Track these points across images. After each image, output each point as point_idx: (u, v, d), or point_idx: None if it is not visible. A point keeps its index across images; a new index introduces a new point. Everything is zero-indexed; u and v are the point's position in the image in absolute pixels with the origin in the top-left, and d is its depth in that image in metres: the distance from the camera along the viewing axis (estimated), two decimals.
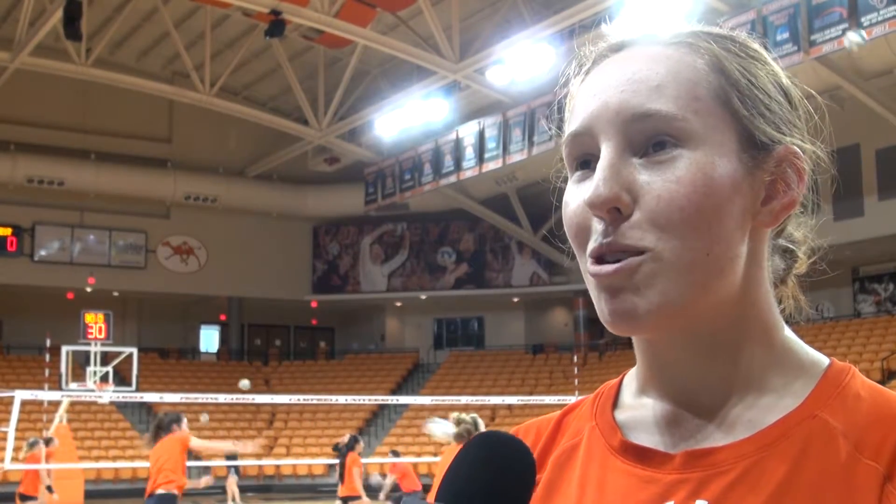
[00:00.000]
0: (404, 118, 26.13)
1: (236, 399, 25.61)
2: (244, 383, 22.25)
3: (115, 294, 30.82)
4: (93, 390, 20.74)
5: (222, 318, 34.08)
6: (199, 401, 25.75)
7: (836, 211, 22.77)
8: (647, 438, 0.90)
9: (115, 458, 25.39)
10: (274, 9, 21.75)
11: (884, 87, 21.12)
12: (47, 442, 17.09)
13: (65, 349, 21.71)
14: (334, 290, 33.60)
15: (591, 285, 0.86)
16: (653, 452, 0.88)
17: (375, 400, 26.64)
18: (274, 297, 32.90)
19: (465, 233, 32.73)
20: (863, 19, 16.88)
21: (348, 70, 25.93)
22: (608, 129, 0.84)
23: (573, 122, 0.88)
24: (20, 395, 17.88)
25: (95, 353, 22.00)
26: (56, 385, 22.05)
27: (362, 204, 29.89)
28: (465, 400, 25.73)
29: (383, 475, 18.27)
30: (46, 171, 28.77)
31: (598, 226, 0.84)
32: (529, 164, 24.31)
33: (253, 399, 25.39)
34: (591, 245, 0.84)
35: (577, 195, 0.86)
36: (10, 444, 17.08)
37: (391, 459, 18.30)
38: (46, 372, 23.10)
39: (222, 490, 25.98)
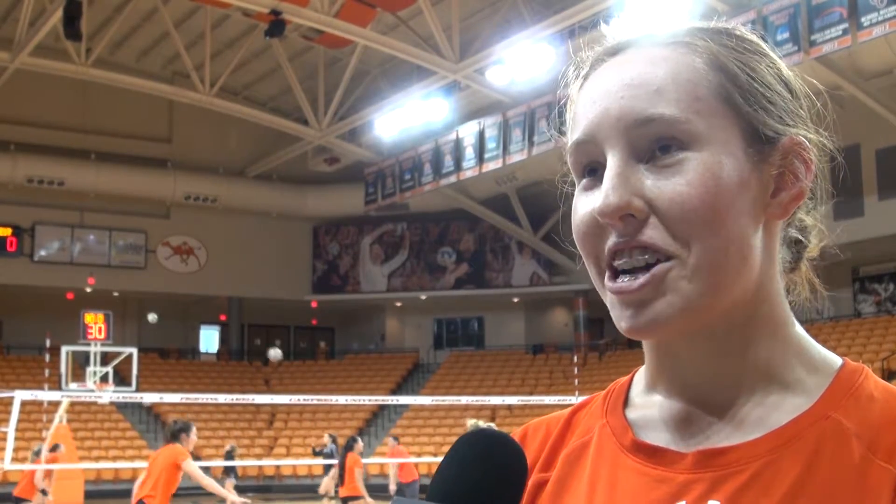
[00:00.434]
0: (404, 118, 26.13)
1: (236, 399, 25.62)
2: (275, 353, 22.35)
3: (115, 294, 30.82)
4: (93, 390, 20.74)
5: (222, 318, 34.09)
6: (200, 401, 25.78)
7: (836, 211, 22.75)
8: (659, 437, 0.89)
9: (115, 458, 25.39)
10: (274, 9, 21.75)
11: (884, 87, 21.12)
12: (53, 448, 17.07)
13: (65, 349, 21.70)
14: (334, 290, 33.60)
15: (609, 298, 0.85)
16: (664, 451, 0.87)
17: (375, 400, 26.63)
18: (274, 297, 32.90)
19: (465, 233, 32.72)
20: (863, 19, 16.88)
21: (348, 70, 25.93)
22: (612, 137, 0.84)
23: (576, 130, 0.88)
24: (20, 395, 17.87)
25: (95, 354, 21.99)
26: (56, 385, 22.04)
27: (362, 204, 29.89)
28: (465, 400, 25.76)
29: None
30: (46, 171, 28.77)
31: (612, 232, 0.84)
32: (529, 164, 24.31)
33: (253, 399, 25.40)
34: (608, 246, 0.84)
35: (585, 203, 0.86)
36: (10, 444, 17.07)
37: (392, 444, 18.51)
38: (46, 372, 23.10)
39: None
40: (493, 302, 33.04)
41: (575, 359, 27.84)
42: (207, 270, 31.78)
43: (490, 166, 24.81)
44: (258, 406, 29.33)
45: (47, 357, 23.77)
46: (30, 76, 26.12)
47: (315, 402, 25.92)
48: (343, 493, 14.85)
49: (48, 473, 15.80)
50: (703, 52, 0.86)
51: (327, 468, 21.02)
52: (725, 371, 0.87)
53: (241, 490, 25.24)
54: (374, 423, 30.17)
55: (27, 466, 18.21)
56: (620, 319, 0.84)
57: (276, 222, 32.55)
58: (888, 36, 17.39)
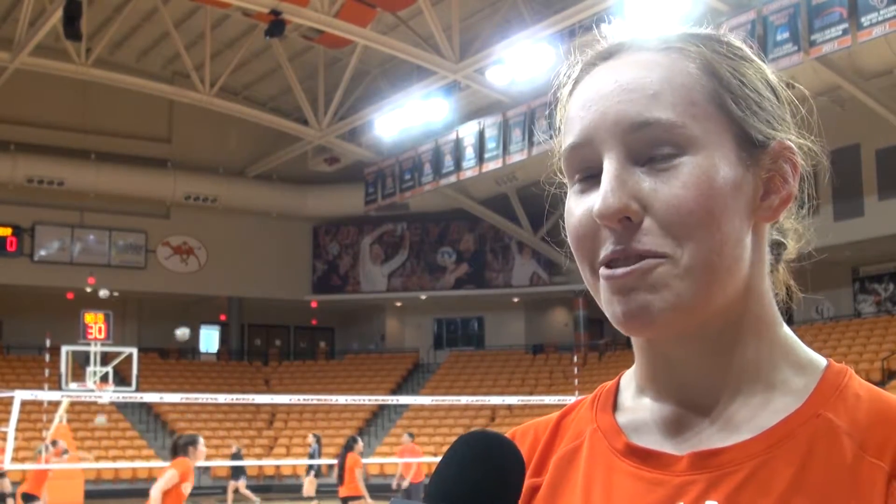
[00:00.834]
0: (404, 118, 26.12)
1: (236, 399, 25.61)
2: (182, 332, 22.49)
3: (116, 294, 30.82)
4: (93, 390, 20.74)
5: (222, 318, 34.08)
6: (200, 401, 25.79)
7: (836, 211, 22.78)
8: (651, 440, 0.90)
9: (115, 458, 25.39)
10: (274, 9, 21.75)
11: (884, 87, 21.11)
12: (54, 444, 17.09)
13: (65, 349, 21.70)
14: (334, 290, 33.60)
15: (601, 290, 0.86)
16: (659, 454, 0.88)
17: (375, 400, 26.63)
18: (274, 297, 32.90)
19: (465, 233, 32.72)
20: (863, 19, 16.87)
21: (348, 70, 25.93)
22: (609, 140, 0.85)
23: (570, 133, 0.88)
24: (20, 395, 17.87)
25: (95, 353, 21.99)
26: (56, 385, 22.04)
27: (362, 204, 29.88)
28: (465, 400, 25.76)
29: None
30: (46, 171, 28.77)
31: (608, 235, 0.84)
32: (529, 164, 24.30)
33: (253, 399, 25.40)
34: (604, 252, 0.85)
35: (581, 205, 0.87)
36: (10, 444, 17.08)
37: (406, 440, 18.24)
38: (46, 372, 23.10)
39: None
40: (493, 302, 33.04)
41: (575, 359, 27.84)
42: (207, 270, 31.78)
43: (490, 166, 24.81)
44: (258, 406, 29.34)
45: (47, 357, 23.77)
46: (30, 76, 26.11)
47: (315, 402, 25.92)
48: (343, 492, 14.82)
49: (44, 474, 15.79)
50: (696, 58, 0.87)
51: (310, 468, 20.91)
52: (716, 371, 0.88)
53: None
54: (374, 423, 30.17)
55: (27, 466, 18.23)
56: (614, 311, 0.85)
57: (276, 222, 32.55)
58: (888, 36, 17.38)
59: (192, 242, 31.89)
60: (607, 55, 0.90)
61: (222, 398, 24.58)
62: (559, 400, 22.27)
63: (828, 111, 21.93)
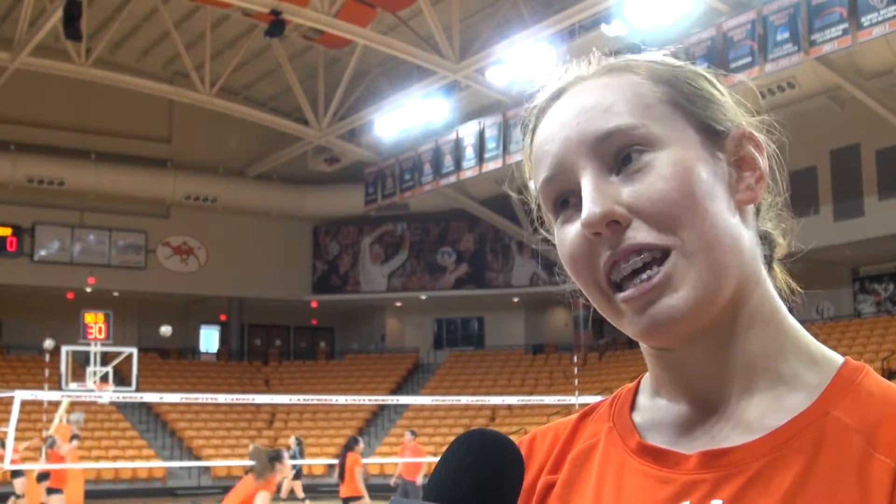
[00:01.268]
0: (404, 118, 26.13)
1: (236, 399, 25.62)
2: (165, 329, 22.58)
3: (115, 294, 30.82)
4: (93, 390, 20.73)
5: (222, 318, 34.08)
6: (200, 401, 25.79)
7: (836, 211, 22.78)
8: (664, 439, 0.91)
9: (115, 458, 25.40)
10: (274, 9, 21.75)
11: (884, 87, 21.10)
12: (51, 444, 17.08)
13: (65, 349, 21.69)
14: (334, 290, 33.60)
15: (618, 312, 0.88)
16: (669, 453, 0.89)
17: (375, 400, 26.62)
18: (274, 297, 32.90)
19: (465, 233, 32.72)
20: (863, 19, 16.87)
21: (348, 70, 25.93)
22: (578, 159, 0.88)
23: (541, 169, 0.91)
24: (20, 395, 17.86)
25: (95, 353, 21.98)
26: (56, 385, 22.03)
27: (362, 204, 29.88)
28: (465, 400, 25.76)
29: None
30: (46, 171, 28.77)
31: (603, 246, 0.86)
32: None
33: (253, 399, 25.40)
34: (603, 261, 0.86)
35: (569, 230, 0.89)
36: (10, 443, 17.08)
37: (408, 438, 18.00)
38: (46, 372, 23.09)
39: (223, 490, 25.94)
40: (493, 302, 33.04)
41: (575, 359, 27.80)
42: (207, 270, 31.77)
43: (490, 166, 24.80)
44: (258, 406, 29.33)
45: (47, 357, 23.76)
46: (30, 76, 26.11)
47: (315, 402, 25.92)
48: (344, 492, 14.82)
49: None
50: (643, 71, 0.91)
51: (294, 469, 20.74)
52: (725, 366, 0.89)
53: None
54: (374, 423, 30.17)
55: (27, 466, 18.23)
56: (639, 325, 0.86)
57: (276, 222, 32.54)
58: (888, 36, 17.38)
59: (192, 242, 31.89)
60: (556, 95, 0.93)
61: (222, 398, 24.58)
62: (559, 400, 22.28)
63: (828, 111, 21.97)
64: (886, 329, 24.69)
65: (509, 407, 27.51)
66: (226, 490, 22.78)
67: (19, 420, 17.99)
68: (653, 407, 0.95)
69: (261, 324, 35.08)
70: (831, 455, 0.82)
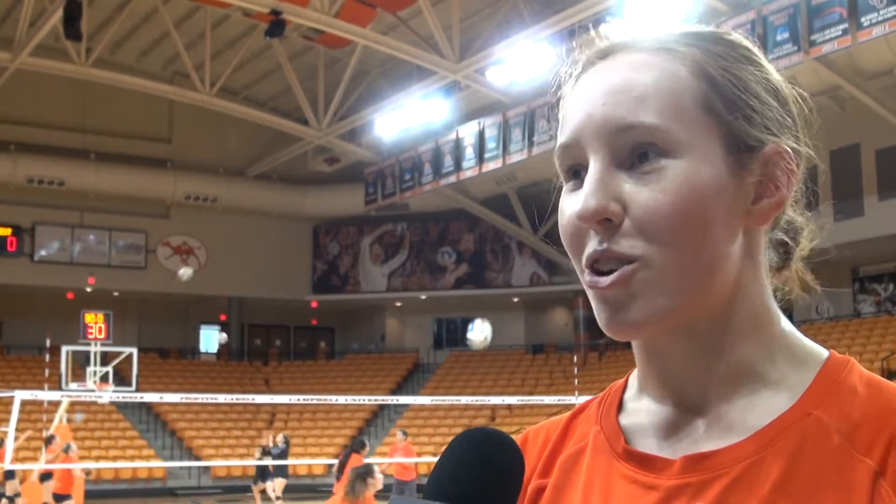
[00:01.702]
0: (404, 118, 26.13)
1: (236, 399, 25.62)
2: (185, 271, 21.90)
3: (115, 294, 30.82)
4: (93, 390, 20.74)
5: (222, 318, 34.08)
6: (200, 401, 25.79)
7: (836, 211, 22.77)
8: (649, 443, 0.91)
9: (115, 458, 25.40)
10: (274, 9, 21.75)
11: (884, 87, 21.11)
12: (49, 441, 17.11)
13: (65, 349, 21.69)
14: (334, 290, 33.59)
15: (589, 294, 0.88)
16: (654, 458, 0.89)
17: (375, 400, 26.62)
18: (274, 297, 32.89)
19: (465, 233, 32.72)
20: (863, 19, 16.87)
21: (348, 70, 25.92)
22: (594, 142, 0.86)
23: (563, 132, 0.90)
24: (20, 395, 17.87)
25: (95, 353, 21.99)
26: (56, 385, 22.03)
27: (362, 204, 29.87)
28: (465, 400, 25.76)
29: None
30: (46, 171, 28.77)
31: (593, 234, 0.85)
32: (529, 164, 24.30)
33: (253, 399, 25.41)
34: (587, 252, 0.86)
35: (570, 204, 0.88)
36: (10, 443, 17.08)
37: (399, 438, 17.91)
38: (46, 372, 23.09)
39: (222, 490, 26.03)
40: (493, 302, 33.02)
41: (575, 359, 27.83)
42: (207, 270, 31.76)
43: (490, 166, 24.80)
44: (258, 406, 29.33)
45: (47, 357, 23.76)
46: (30, 76, 26.11)
47: (315, 402, 25.92)
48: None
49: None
50: (688, 60, 0.87)
51: (277, 469, 20.67)
52: (709, 371, 0.89)
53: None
54: (374, 423, 30.16)
55: (27, 466, 18.23)
56: (599, 316, 0.86)
57: (276, 222, 32.54)
58: (888, 36, 17.38)
59: (192, 242, 31.88)
60: (604, 54, 0.90)
61: (222, 398, 24.59)
62: (559, 400, 22.27)
63: (828, 111, 21.95)
64: (886, 329, 24.70)
65: (509, 407, 27.50)
66: (226, 490, 22.81)
67: (19, 420, 17.99)
68: (639, 408, 0.95)
69: (261, 324, 35.08)
70: (812, 456, 0.82)
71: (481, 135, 24.84)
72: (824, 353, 0.91)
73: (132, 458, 26.04)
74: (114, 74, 26.06)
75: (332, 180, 31.93)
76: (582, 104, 0.88)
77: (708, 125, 0.85)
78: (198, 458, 26.86)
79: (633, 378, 0.99)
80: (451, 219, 32.33)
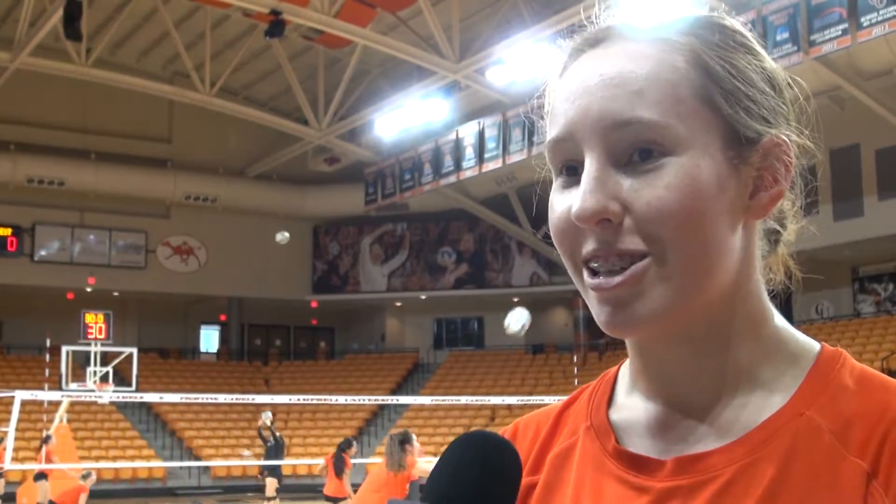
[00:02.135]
0: (404, 118, 26.13)
1: (236, 399, 25.63)
2: (283, 235, 21.08)
3: (115, 294, 30.82)
4: (93, 390, 20.75)
5: (222, 318, 34.08)
6: (200, 401, 25.79)
7: (836, 211, 22.77)
8: (640, 443, 0.89)
9: (115, 458, 25.41)
10: (274, 9, 21.75)
11: (884, 87, 21.11)
12: (45, 440, 17.14)
13: (65, 349, 21.71)
14: (334, 290, 33.60)
15: (588, 295, 0.85)
16: (645, 459, 0.87)
17: (375, 400, 26.63)
18: (274, 297, 32.89)
19: (465, 233, 32.73)
20: (862, 19, 16.88)
21: (348, 70, 25.93)
22: (590, 138, 0.83)
23: (554, 125, 0.87)
24: (20, 395, 17.88)
25: (95, 353, 22.00)
26: (56, 385, 22.04)
27: (362, 204, 29.88)
28: (465, 400, 25.77)
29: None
30: (46, 171, 28.77)
31: (589, 233, 0.83)
32: (529, 164, 24.18)
33: (253, 399, 25.40)
34: (586, 249, 0.83)
35: (562, 201, 0.85)
36: (10, 444, 17.08)
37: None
38: (46, 372, 23.10)
39: (223, 490, 26.02)
40: (493, 302, 33.02)
41: (575, 359, 27.85)
42: (207, 270, 31.77)
43: (490, 166, 24.81)
44: (258, 406, 29.31)
45: (47, 357, 23.77)
46: (30, 76, 26.11)
47: (315, 402, 25.92)
48: (328, 491, 14.97)
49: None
50: (685, 50, 0.84)
51: (267, 469, 20.57)
52: (704, 371, 0.87)
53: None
54: (374, 423, 30.17)
55: (27, 466, 18.24)
56: (599, 316, 0.84)
57: (276, 222, 32.51)
58: (888, 36, 17.38)
59: (192, 242, 31.89)
60: (595, 41, 0.88)
61: (222, 398, 24.61)
62: (559, 400, 22.18)
63: (828, 111, 21.96)
64: (886, 329, 24.70)
65: (509, 407, 27.50)
66: (226, 490, 22.80)
67: (19, 420, 18.00)
68: (629, 404, 0.93)
69: (261, 324, 35.08)
70: (805, 459, 0.81)
71: (481, 135, 24.86)
72: (816, 346, 0.90)
73: (132, 458, 26.05)
74: (114, 74, 26.06)
75: (332, 180, 31.94)
76: (575, 96, 0.85)
77: (707, 118, 0.83)
78: (198, 458, 26.87)
79: (625, 370, 0.97)
80: (451, 219, 32.33)
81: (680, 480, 0.84)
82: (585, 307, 0.88)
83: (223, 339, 34.61)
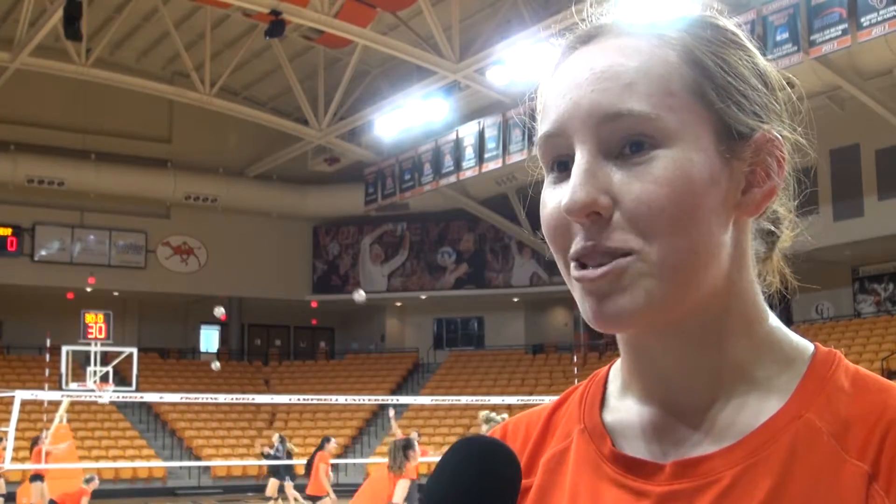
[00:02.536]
0: (404, 118, 26.14)
1: (236, 399, 25.63)
2: (359, 294, 20.47)
3: (115, 294, 30.83)
4: (93, 390, 20.75)
5: (222, 318, 34.03)
6: (200, 401, 25.80)
7: (836, 211, 22.77)
8: (637, 446, 0.88)
9: (115, 458, 25.40)
10: (274, 9, 21.75)
11: (884, 87, 21.11)
12: (36, 440, 17.12)
13: (65, 349, 21.71)
14: (334, 290, 33.59)
15: (574, 288, 0.85)
16: (644, 463, 0.86)
17: (375, 400, 26.63)
18: (274, 297, 32.89)
19: (465, 233, 32.72)
20: (862, 19, 16.88)
21: (348, 70, 25.93)
22: (581, 131, 0.83)
23: (545, 121, 0.87)
24: (20, 395, 17.89)
25: (95, 353, 22.00)
26: (56, 385, 22.05)
27: (362, 204, 29.89)
28: (465, 400, 25.76)
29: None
30: (46, 171, 28.76)
31: (579, 229, 0.82)
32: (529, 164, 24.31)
33: (253, 399, 25.43)
34: (574, 247, 0.83)
35: (553, 196, 0.85)
36: (10, 443, 17.09)
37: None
38: (46, 372, 23.10)
39: (223, 490, 26.00)
40: (493, 302, 33.05)
41: (575, 359, 27.86)
42: (207, 270, 31.77)
43: (490, 166, 24.82)
44: (258, 406, 29.33)
45: (47, 357, 23.77)
46: (30, 76, 26.12)
47: (315, 402, 25.93)
48: (310, 490, 15.02)
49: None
50: (677, 45, 0.84)
51: (271, 469, 20.64)
52: (698, 371, 0.86)
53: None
54: (374, 423, 30.16)
55: (27, 466, 18.24)
56: (584, 308, 0.83)
57: (276, 222, 32.55)
58: (888, 36, 17.39)
59: (192, 242, 31.89)
60: (587, 38, 0.88)
61: (222, 398, 24.60)
62: None
63: (828, 111, 21.96)
64: (886, 329, 24.70)
65: (509, 407, 27.49)
66: (226, 490, 22.81)
67: (19, 420, 18.00)
68: (623, 406, 0.92)
69: (261, 324, 35.08)
70: (805, 461, 0.80)
71: (481, 135, 24.86)
72: (810, 347, 0.89)
73: (132, 458, 26.04)
74: (114, 74, 26.06)
75: (332, 180, 31.94)
76: (566, 90, 0.84)
77: (698, 112, 0.82)
78: (198, 458, 26.87)
79: (616, 371, 0.96)
80: (451, 219, 32.33)
81: (679, 484, 0.83)
82: None
83: (223, 339, 34.60)
